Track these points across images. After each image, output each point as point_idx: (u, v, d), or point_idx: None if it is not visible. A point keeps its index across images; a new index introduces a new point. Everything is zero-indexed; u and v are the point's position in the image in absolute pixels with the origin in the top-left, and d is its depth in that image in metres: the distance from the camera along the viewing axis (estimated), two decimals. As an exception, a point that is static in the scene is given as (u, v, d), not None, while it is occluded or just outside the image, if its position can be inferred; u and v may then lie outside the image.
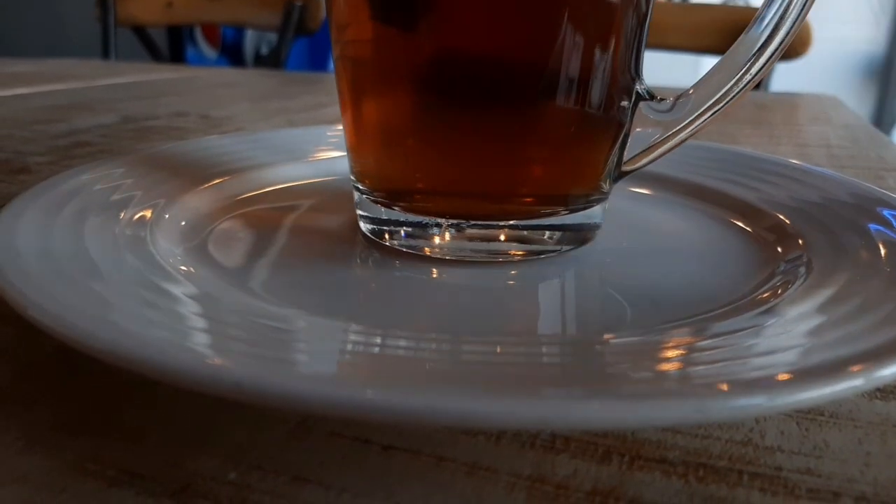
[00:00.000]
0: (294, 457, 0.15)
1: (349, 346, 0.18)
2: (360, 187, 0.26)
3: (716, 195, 0.30)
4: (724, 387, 0.14)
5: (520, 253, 0.24)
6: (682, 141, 0.24)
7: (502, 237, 0.24)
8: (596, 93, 0.23)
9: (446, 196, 0.25)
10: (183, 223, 0.26)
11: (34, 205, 0.23)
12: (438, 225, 0.24)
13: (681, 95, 0.24)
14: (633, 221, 0.29)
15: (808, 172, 0.30)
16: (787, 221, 0.26)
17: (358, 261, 0.25)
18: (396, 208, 0.25)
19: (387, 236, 0.25)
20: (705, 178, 0.31)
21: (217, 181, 0.30)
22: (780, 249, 0.24)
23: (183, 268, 0.21)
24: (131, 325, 0.16)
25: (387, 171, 0.25)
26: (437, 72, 0.23)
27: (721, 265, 0.24)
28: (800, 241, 0.24)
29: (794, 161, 0.31)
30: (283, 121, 0.58)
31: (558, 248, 0.25)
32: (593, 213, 0.25)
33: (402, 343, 0.18)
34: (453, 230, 0.24)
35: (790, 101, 0.76)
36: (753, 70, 0.23)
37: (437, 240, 0.24)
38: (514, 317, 0.21)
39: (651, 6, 0.24)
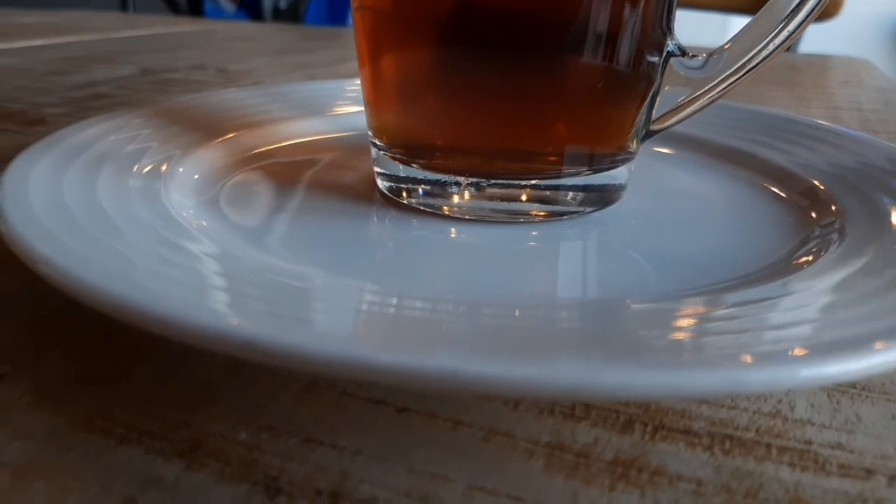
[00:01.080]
0: (305, 418, 0.15)
1: (364, 307, 0.18)
2: (378, 143, 0.25)
3: (746, 157, 0.29)
4: (752, 358, 0.13)
5: (541, 213, 0.23)
6: (714, 100, 0.23)
7: (524, 197, 0.23)
8: (625, 47, 0.22)
9: (466, 153, 0.24)
10: (196, 176, 0.25)
11: (47, 155, 0.23)
12: (458, 183, 0.23)
13: (713, 52, 0.23)
14: (659, 183, 0.28)
15: (843, 135, 0.28)
16: (821, 186, 0.25)
17: (375, 219, 0.24)
18: (415, 165, 0.24)
19: (404, 194, 0.24)
20: (735, 139, 0.30)
21: (233, 134, 0.29)
22: (813, 215, 0.23)
23: (196, 222, 0.21)
24: (143, 281, 0.15)
25: (405, 127, 0.25)
26: (458, 24, 0.23)
27: (752, 230, 0.23)
28: (833, 207, 0.23)
29: (827, 123, 0.30)
30: (302, 75, 0.57)
31: (581, 209, 0.24)
32: (618, 174, 0.24)
33: (419, 304, 0.17)
34: (473, 189, 0.23)
35: (821, 62, 0.74)
36: (788, 29, 0.22)
37: (455, 199, 0.23)
38: (534, 279, 0.21)
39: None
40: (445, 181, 0.23)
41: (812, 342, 0.14)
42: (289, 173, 0.27)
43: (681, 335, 0.16)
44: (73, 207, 0.19)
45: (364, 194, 0.26)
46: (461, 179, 0.23)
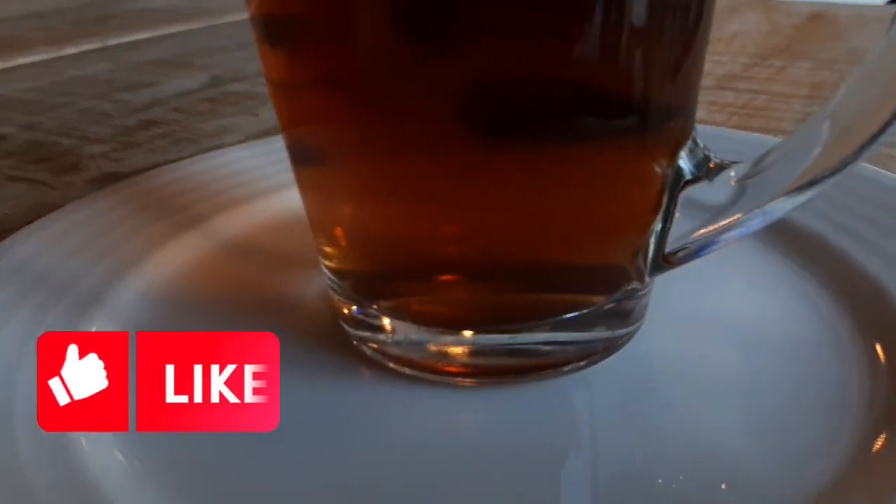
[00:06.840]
0: None
1: None
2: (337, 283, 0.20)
3: (830, 259, 0.21)
4: None
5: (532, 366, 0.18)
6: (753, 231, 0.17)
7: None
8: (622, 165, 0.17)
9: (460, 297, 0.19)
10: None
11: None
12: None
13: (746, 176, 0.16)
14: (689, 307, 0.21)
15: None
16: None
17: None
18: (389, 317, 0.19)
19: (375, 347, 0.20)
20: (826, 224, 0.22)
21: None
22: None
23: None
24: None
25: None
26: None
27: (822, 400, 0.17)
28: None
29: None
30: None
31: (583, 361, 0.18)
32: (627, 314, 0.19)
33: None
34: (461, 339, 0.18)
35: None
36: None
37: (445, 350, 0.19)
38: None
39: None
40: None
41: None
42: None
43: None
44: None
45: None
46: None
